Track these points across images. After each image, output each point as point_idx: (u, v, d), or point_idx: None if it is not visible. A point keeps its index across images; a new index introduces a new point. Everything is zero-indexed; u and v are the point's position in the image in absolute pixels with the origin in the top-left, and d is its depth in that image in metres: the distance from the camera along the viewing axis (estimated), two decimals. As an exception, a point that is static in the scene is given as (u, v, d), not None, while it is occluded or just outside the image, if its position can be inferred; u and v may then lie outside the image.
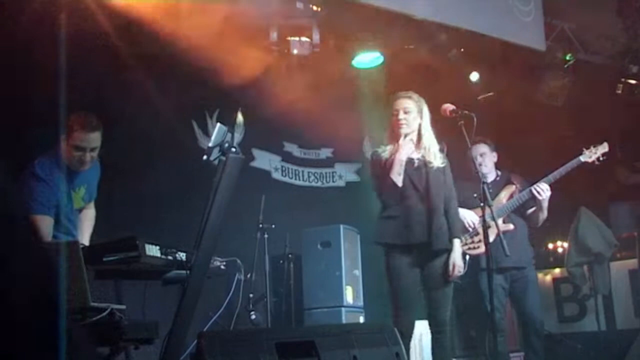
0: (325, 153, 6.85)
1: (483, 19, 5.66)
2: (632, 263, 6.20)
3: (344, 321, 5.25)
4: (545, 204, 4.73)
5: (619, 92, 6.74)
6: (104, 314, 2.71)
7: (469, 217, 4.59)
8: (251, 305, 4.92)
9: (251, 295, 4.94)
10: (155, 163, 5.10)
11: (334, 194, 6.73)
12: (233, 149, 2.90)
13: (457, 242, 3.90)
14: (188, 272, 2.85)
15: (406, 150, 3.87)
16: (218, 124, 3.00)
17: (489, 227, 3.88)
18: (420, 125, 3.94)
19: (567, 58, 6.59)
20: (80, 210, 3.82)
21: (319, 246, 5.59)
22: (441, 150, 3.98)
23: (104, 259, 2.80)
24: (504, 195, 4.84)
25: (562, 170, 4.73)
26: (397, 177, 3.80)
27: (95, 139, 3.52)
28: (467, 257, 4.52)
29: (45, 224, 3.38)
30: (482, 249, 4.45)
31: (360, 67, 6.26)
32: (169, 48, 4.74)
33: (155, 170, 5.05)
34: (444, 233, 3.84)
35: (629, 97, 6.66)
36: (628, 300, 6.23)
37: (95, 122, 3.51)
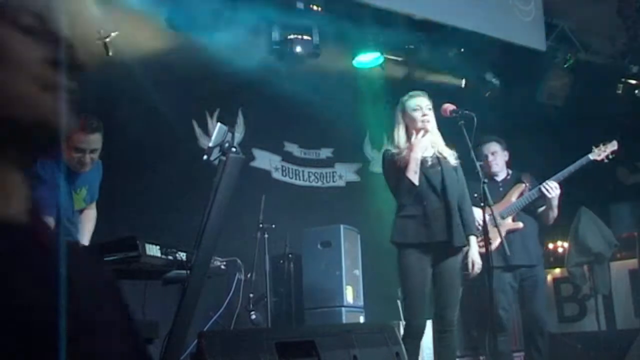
0: (325, 153, 6.84)
1: (483, 19, 5.65)
2: (632, 263, 6.18)
3: (344, 321, 5.24)
4: (555, 202, 4.67)
5: (619, 92, 6.74)
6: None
7: (477, 216, 4.60)
8: (251, 305, 4.91)
9: (251, 295, 4.93)
10: (155, 163, 5.10)
11: (334, 194, 6.72)
12: (233, 149, 2.90)
13: (473, 240, 3.88)
14: (188, 272, 2.85)
15: (421, 149, 3.81)
16: (218, 124, 3.01)
17: (494, 225, 3.87)
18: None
19: (567, 58, 6.60)
20: (81, 211, 3.81)
21: (319, 246, 5.57)
22: (451, 149, 3.97)
23: (104, 259, 2.80)
24: (513, 194, 4.82)
25: (572, 168, 4.71)
26: (414, 176, 3.73)
27: (95, 140, 3.50)
28: None
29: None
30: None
31: (360, 67, 6.27)
32: (168, 47, 4.74)
33: (156, 170, 5.05)
34: (461, 230, 3.80)
35: (629, 96, 6.67)
36: (628, 300, 6.21)
37: (96, 124, 3.49)
